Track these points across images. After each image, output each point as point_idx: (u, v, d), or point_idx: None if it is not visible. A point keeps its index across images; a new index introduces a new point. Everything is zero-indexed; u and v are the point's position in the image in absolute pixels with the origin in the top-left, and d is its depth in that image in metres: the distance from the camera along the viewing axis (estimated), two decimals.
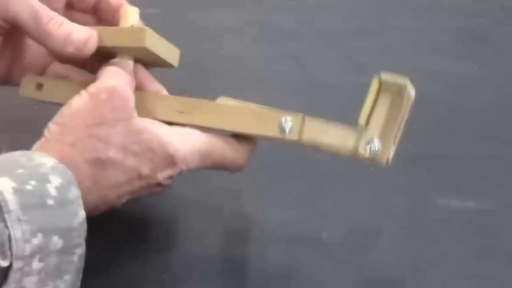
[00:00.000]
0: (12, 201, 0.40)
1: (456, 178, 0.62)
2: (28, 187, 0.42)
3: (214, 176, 0.55)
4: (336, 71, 0.74)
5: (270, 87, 0.71)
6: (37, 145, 0.47)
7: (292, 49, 0.75)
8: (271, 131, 0.51)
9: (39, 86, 0.56)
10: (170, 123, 0.52)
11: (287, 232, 0.57)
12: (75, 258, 0.44)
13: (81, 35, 0.52)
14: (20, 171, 0.43)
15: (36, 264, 0.41)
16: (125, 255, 0.54)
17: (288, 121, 0.50)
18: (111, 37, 0.53)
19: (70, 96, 0.51)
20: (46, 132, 0.48)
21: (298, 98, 0.70)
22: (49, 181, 0.43)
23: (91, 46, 0.52)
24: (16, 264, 0.40)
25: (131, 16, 0.55)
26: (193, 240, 0.56)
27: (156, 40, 0.53)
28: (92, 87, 0.49)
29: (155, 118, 0.51)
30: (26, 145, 0.47)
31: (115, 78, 0.50)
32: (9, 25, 0.52)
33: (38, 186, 0.42)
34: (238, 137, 0.52)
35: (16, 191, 0.41)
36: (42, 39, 0.52)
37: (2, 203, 0.40)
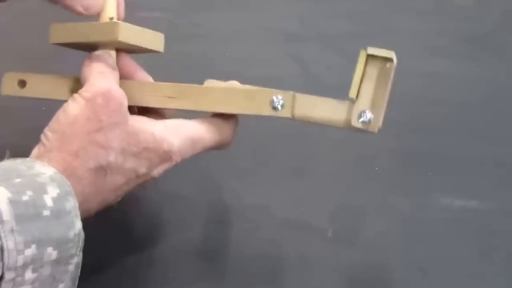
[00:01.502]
0: (6, 211, 0.40)
1: (459, 178, 0.62)
2: (24, 198, 0.41)
3: (218, 175, 0.55)
4: (340, 73, 0.74)
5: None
6: (36, 152, 0.47)
7: (296, 52, 0.76)
8: (263, 110, 0.51)
9: (22, 83, 0.55)
10: (160, 112, 0.52)
11: (291, 230, 0.58)
12: (71, 267, 0.43)
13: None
14: (17, 180, 0.42)
15: (29, 275, 0.41)
16: (116, 250, 0.54)
17: (280, 99, 0.51)
18: (87, 32, 0.53)
19: (55, 91, 0.51)
20: (44, 140, 0.47)
21: None
22: (46, 192, 0.42)
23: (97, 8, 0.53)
24: (8, 275, 0.40)
25: (109, 9, 0.54)
26: (194, 238, 0.56)
27: (132, 32, 0.53)
28: (86, 92, 0.48)
29: (146, 105, 0.52)
30: None
31: (106, 79, 0.50)
32: None
33: (34, 197, 0.42)
34: (223, 116, 0.53)
35: (11, 201, 0.40)
36: None
37: None
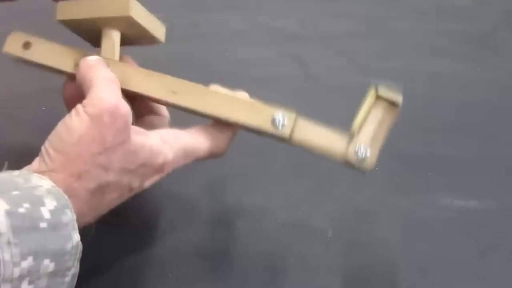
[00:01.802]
0: (3, 223, 0.40)
1: (459, 178, 0.62)
2: (21, 210, 0.41)
3: (218, 175, 0.55)
4: (339, 73, 0.74)
5: (274, 90, 0.71)
6: (36, 167, 0.46)
7: (296, 51, 0.76)
8: (263, 124, 0.51)
9: (27, 45, 0.53)
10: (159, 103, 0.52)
11: (291, 231, 0.58)
12: (67, 279, 0.43)
13: None
14: (15, 193, 0.42)
15: (25, 286, 0.41)
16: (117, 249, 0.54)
17: (282, 117, 0.51)
18: (96, 8, 0.52)
19: (59, 60, 0.50)
20: (46, 157, 0.46)
21: (301, 100, 0.70)
22: (43, 204, 0.42)
23: None
24: (4, 287, 0.40)
25: None
26: (195, 238, 0.56)
27: (141, 11, 0.52)
28: (92, 108, 0.46)
29: (148, 95, 0.51)
30: None
31: (113, 92, 0.48)
32: None
33: (31, 209, 0.41)
34: (219, 126, 0.52)
35: (8, 213, 0.40)
36: None
37: None
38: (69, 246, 0.43)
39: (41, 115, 0.67)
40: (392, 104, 0.50)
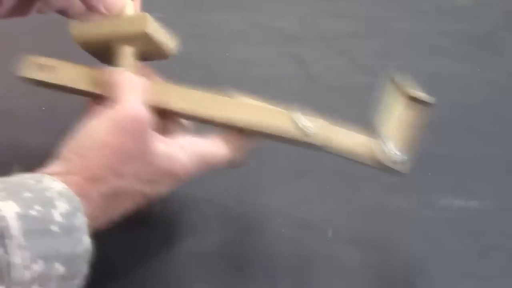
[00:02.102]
0: (14, 226, 0.40)
1: (459, 178, 0.62)
2: (33, 213, 0.41)
3: (218, 174, 0.55)
4: (340, 73, 0.74)
5: (275, 89, 0.71)
6: (53, 170, 0.46)
7: (296, 51, 0.76)
8: (290, 130, 0.51)
9: (43, 67, 0.54)
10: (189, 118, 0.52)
11: (292, 231, 0.58)
12: (77, 281, 0.43)
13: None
14: (26, 194, 0.42)
15: None
16: (128, 251, 0.54)
17: (307, 121, 0.51)
18: (113, 26, 0.52)
19: (77, 80, 0.50)
20: (64, 160, 0.46)
21: (302, 100, 0.70)
22: (54, 207, 0.42)
23: (119, 8, 0.53)
24: None
25: (128, 9, 0.54)
26: (196, 238, 0.56)
27: (156, 27, 0.53)
28: (115, 113, 0.47)
29: (178, 111, 0.52)
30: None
31: (136, 99, 0.48)
32: None
33: (43, 212, 0.41)
34: (237, 134, 0.53)
35: (19, 216, 0.40)
36: None
37: (4, 229, 0.39)
38: (80, 249, 0.43)
39: (41, 115, 0.67)
40: (421, 102, 0.50)
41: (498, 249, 0.57)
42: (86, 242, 0.43)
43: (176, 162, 0.49)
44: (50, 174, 0.45)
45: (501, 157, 0.64)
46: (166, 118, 0.53)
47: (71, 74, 0.53)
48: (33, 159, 0.62)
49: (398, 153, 0.49)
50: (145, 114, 0.48)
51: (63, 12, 0.57)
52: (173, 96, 0.52)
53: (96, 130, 0.47)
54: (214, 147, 0.52)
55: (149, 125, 0.48)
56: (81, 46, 0.54)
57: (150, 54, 0.55)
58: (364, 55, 0.76)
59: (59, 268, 0.41)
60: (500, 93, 0.71)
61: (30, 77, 0.54)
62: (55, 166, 0.46)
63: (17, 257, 0.39)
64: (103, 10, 0.53)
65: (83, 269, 0.43)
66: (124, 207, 0.48)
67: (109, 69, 0.52)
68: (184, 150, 0.50)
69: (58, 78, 0.53)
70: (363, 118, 0.68)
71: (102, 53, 0.54)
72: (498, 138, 0.66)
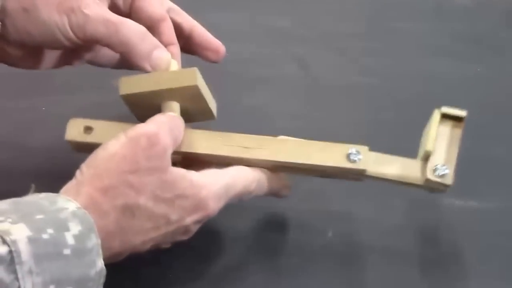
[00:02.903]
0: (25, 251, 0.39)
1: (459, 178, 0.62)
2: (45, 236, 0.40)
3: None
4: (340, 73, 0.74)
5: (275, 89, 0.72)
6: (67, 186, 0.46)
7: (297, 51, 0.76)
8: (339, 162, 0.52)
9: (88, 129, 0.54)
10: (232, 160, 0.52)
11: (291, 231, 0.58)
12: None
13: (164, 56, 0.53)
14: (39, 216, 0.41)
15: None
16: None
17: (357, 152, 0.52)
18: (162, 80, 0.52)
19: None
20: (78, 173, 0.46)
21: (302, 99, 0.71)
22: (68, 229, 0.41)
23: (165, 66, 0.53)
24: None
25: (173, 64, 0.55)
26: (195, 239, 0.56)
27: (203, 82, 0.53)
28: (132, 131, 0.47)
29: (218, 154, 0.52)
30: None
31: (158, 125, 0.49)
32: (87, 42, 0.53)
33: (55, 235, 0.41)
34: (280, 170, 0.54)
35: (31, 240, 0.39)
36: (124, 52, 0.52)
37: (15, 254, 0.39)
38: (92, 272, 0.42)
39: (42, 115, 0.67)
40: (457, 119, 0.53)
41: (498, 249, 0.57)
42: (99, 265, 0.43)
43: (201, 187, 0.48)
44: (64, 190, 0.45)
45: (501, 157, 0.64)
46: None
47: (111, 132, 0.52)
48: (33, 159, 0.62)
49: (445, 168, 0.52)
50: (163, 137, 0.47)
51: (94, 62, 0.59)
52: (214, 143, 0.53)
53: (110, 145, 0.47)
54: (239, 175, 0.51)
55: (166, 148, 0.47)
56: (124, 100, 0.54)
57: (193, 112, 0.55)
58: (364, 55, 0.76)
59: None
60: (500, 93, 0.71)
61: (72, 140, 0.54)
62: (69, 183, 0.46)
63: (28, 283, 0.39)
64: (149, 69, 0.53)
65: None
66: (143, 228, 0.47)
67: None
68: (211, 178, 0.49)
69: (98, 138, 0.53)
70: (363, 118, 0.68)
71: (145, 108, 0.53)
72: (498, 138, 0.66)
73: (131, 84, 0.53)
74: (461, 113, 0.53)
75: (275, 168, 0.53)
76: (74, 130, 0.54)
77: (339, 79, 0.73)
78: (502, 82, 0.73)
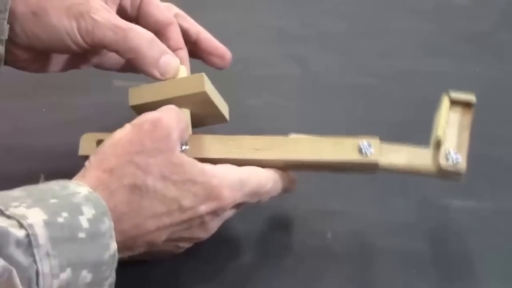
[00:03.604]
0: (42, 235, 0.39)
1: None
2: (60, 220, 0.41)
3: None
4: (340, 73, 0.74)
5: (275, 89, 0.72)
6: (78, 174, 0.47)
7: (297, 51, 0.76)
8: (351, 156, 0.52)
9: (101, 143, 0.53)
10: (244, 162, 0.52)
11: (292, 231, 0.58)
12: None
13: (172, 62, 0.53)
14: (53, 201, 0.42)
15: None
16: None
17: (368, 144, 0.52)
18: (170, 88, 0.53)
19: None
20: (86, 162, 0.47)
21: (302, 99, 0.71)
22: (81, 213, 0.42)
23: (173, 72, 0.53)
24: None
25: (182, 71, 0.55)
26: None
27: (212, 88, 0.54)
28: (137, 119, 0.49)
29: (232, 157, 0.52)
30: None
31: (162, 110, 0.50)
32: (95, 47, 0.53)
33: (69, 219, 0.41)
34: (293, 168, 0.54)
35: (47, 224, 0.40)
36: (132, 59, 0.53)
37: (32, 237, 0.39)
38: (106, 255, 0.43)
39: (42, 115, 0.67)
40: (467, 105, 0.53)
41: (497, 249, 0.57)
42: (112, 248, 0.43)
43: (213, 176, 0.48)
44: (75, 178, 0.46)
45: (500, 157, 0.64)
46: None
47: None
48: (34, 159, 0.62)
49: (457, 155, 0.51)
50: (166, 119, 0.48)
51: (100, 66, 0.59)
52: (225, 146, 0.53)
53: (116, 133, 0.48)
54: (258, 172, 0.52)
55: (170, 130, 0.48)
56: (134, 109, 0.54)
57: (205, 116, 0.55)
58: (365, 54, 0.76)
59: (87, 275, 0.41)
60: (499, 93, 0.72)
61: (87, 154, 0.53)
62: (80, 172, 0.47)
63: (46, 266, 0.39)
64: (158, 75, 0.53)
65: (110, 276, 0.43)
66: (156, 213, 0.46)
67: None
68: (224, 169, 0.50)
69: None
70: (363, 118, 0.69)
71: None
72: (497, 138, 0.66)
73: (139, 95, 0.54)
74: (471, 98, 0.53)
75: (287, 167, 0.53)
76: (87, 145, 0.54)
77: (338, 79, 0.73)
78: (501, 82, 0.73)
